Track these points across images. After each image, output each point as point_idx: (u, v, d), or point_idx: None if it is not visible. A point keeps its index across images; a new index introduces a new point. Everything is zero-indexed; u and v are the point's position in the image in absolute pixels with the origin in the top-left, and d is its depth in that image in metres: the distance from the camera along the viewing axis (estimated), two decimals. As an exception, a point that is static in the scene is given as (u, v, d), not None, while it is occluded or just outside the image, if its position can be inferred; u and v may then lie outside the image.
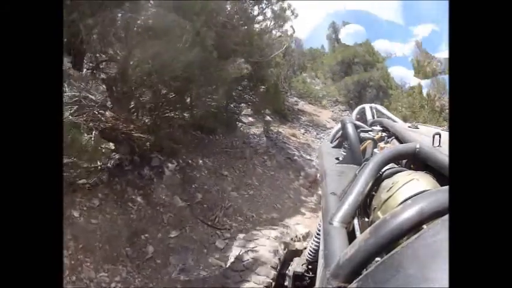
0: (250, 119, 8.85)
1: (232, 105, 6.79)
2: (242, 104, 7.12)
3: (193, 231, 3.93)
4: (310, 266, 2.00)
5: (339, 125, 1.72)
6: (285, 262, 2.28)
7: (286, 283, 2.17)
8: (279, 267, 2.19)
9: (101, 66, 3.46)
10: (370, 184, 0.82)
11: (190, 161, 5.14)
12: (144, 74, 3.44)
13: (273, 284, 2.11)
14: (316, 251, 1.83)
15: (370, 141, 1.33)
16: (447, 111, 11.00)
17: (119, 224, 3.47)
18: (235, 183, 5.38)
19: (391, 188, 0.80)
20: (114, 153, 4.75)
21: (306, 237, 2.89)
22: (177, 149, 4.88)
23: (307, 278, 2.05)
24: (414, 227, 0.49)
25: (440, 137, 0.92)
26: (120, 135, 4.75)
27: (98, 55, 3.68)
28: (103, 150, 4.63)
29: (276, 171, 6.25)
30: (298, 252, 2.38)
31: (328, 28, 16.62)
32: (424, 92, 10.61)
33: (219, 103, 5.13)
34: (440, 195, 0.52)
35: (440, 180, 0.78)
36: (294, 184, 6.09)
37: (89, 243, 3.01)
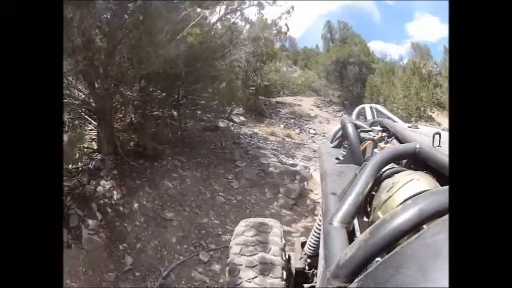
0: (242, 118, 8.63)
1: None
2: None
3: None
4: (309, 260, 1.99)
5: (339, 125, 1.74)
6: None
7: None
8: None
9: (82, 61, 3.29)
10: (370, 184, 0.82)
11: (121, 208, 3.78)
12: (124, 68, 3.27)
13: None
14: (316, 246, 1.84)
15: (370, 141, 1.34)
16: (435, 77, 11.03)
17: None
18: (184, 229, 3.81)
19: (391, 188, 0.80)
20: (96, 153, 4.56)
21: None
22: (161, 150, 4.68)
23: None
24: (414, 227, 0.49)
25: (440, 137, 0.93)
26: (104, 133, 4.57)
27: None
28: (84, 150, 4.45)
29: (245, 194, 4.74)
30: None
31: (324, 27, 16.50)
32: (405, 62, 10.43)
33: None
34: (440, 195, 0.53)
35: (440, 180, 0.79)
36: (272, 206, 4.66)
37: None
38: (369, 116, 2.13)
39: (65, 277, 2.68)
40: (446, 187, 0.55)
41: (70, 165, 3.81)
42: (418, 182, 0.77)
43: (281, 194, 4.85)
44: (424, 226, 0.48)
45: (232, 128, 7.12)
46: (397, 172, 0.88)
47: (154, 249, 3.39)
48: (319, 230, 1.74)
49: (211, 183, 4.71)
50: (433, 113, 11.32)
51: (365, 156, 1.30)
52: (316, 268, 1.85)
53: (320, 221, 1.75)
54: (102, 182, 3.80)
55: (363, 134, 1.44)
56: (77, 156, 3.88)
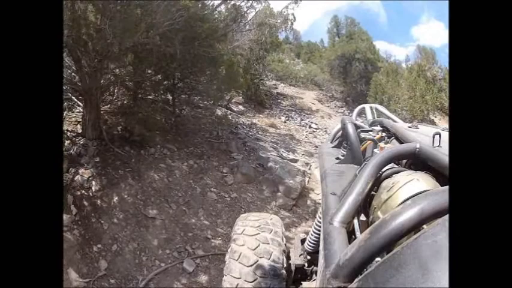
0: (241, 107, 8.22)
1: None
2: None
3: None
4: (309, 257, 1.98)
5: (339, 125, 1.75)
6: None
7: None
8: None
9: (70, 35, 2.84)
10: (370, 184, 0.82)
11: (99, 202, 3.33)
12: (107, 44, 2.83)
13: None
14: (315, 243, 1.82)
15: (370, 141, 1.35)
16: (439, 81, 10.92)
17: None
18: (168, 230, 3.25)
19: (391, 188, 0.81)
20: (80, 137, 4.11)
21: None
22: (150, 136, 4.24)
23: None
24: (414, 227, 0.49)
25: (440, 137, 0.95)
26: (90, 116, 4.11)
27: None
28: (68, 134, 3.99)
29: (240, 191, 4.23)
30: None
31: (331, 22, 16.03)
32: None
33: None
34: (440, 195, 0.53)
35: (440, 180, 0.80)
36: (270, 206, 4.19)
37: None
38: (369, 116, 2.17)
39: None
40: (446, 187, 0.55)
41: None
42: (418, 182, 0.77)
43: (280, 192, 4.45)
44: (424, 226, 0.48)
45: (230, 117, 6.66)
46: (397, 172, 0.89)
47: (133, 253, 3.02)
48: (319, 226, 1.75)
49: (203, 176, 4.32)
50: (435, 117, 11.20)
51: (365, 156, 1.32)
52: (315, 265, 1.85)
53: (320, 217, 1.77)
54: (81, 170, 3.39)
55: (363, 134, 1.47)
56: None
